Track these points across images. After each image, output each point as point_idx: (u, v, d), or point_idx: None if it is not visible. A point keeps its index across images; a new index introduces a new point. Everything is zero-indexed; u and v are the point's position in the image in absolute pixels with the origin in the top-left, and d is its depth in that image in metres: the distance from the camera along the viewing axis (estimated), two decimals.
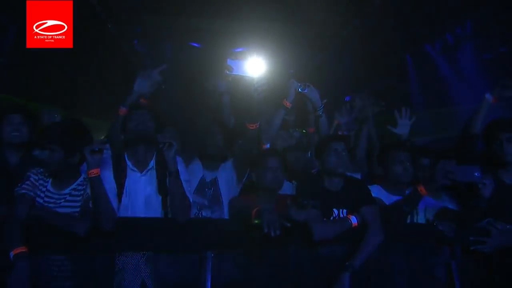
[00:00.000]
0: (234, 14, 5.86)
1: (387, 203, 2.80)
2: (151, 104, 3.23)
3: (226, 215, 2.92)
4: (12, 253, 2.19)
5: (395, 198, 2.84)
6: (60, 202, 2.48)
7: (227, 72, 2.66)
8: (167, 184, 2.53)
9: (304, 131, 4.12)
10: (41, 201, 2.48)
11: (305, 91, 3.18)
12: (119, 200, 2.55)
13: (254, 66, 2.68)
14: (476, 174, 2.49)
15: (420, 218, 2.88)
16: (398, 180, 2.83)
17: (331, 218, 2.67)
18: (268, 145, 3.46)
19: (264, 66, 2.72)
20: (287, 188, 3.04)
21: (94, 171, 2.34)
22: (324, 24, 6.16)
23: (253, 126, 2.89)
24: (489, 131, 2.95)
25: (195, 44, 6.70)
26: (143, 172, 2.64)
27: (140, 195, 2.60)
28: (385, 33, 6.25)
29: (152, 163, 2.66)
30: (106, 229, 2.36)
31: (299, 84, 3.16)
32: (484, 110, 3.05)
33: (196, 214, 2.93)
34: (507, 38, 6.07)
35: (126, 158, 2.66)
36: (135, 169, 2.63)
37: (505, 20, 5.72)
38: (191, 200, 2.55)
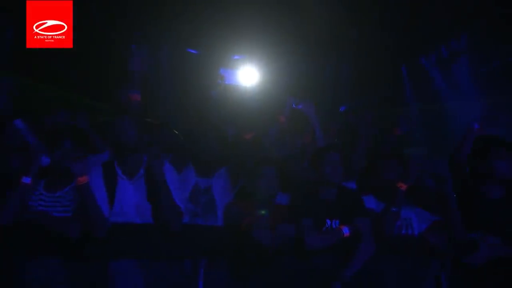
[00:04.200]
0: (232, 22, 5.90)
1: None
2: (143, 101, 3.23)
3: (220, 223, 2.91)
4: None
5: None
6: (55, 205, 2.49)
7: (220, 81, 2.66)
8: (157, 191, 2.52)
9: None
10: (35, 204, 2.48)
11: (299, 107, 3.21)
12: (110, 207, 2.55)
13: (247, 75, 2.68)
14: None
15: (414, 231, 2.88)
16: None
17: (324, 228, 2.69)
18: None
19: (257, 76, 2.72)
20: (283, 197, 3.03)
21: (81, 179, 2.35)
22: (322, 34, 6.21)
23: (248, 136, 2.89)
24: (479, 145, 2.90)
25: (193, 51, 6.72)
26: (133, 180, 2.63)
27: (130, 202, 2.60)
28: (381, 45, 6.31)
29: (142, 171, 2.65)
30: (98, 235, 2.37)
31: (294, 100, 3.19)
32: (471, 138, 3.03)
33: (189, 222, 2.91)
34: (502, 52, 6.15)
35: (115, 165, 2.66)
36: (124, 177, 2.63)
37: (500, 34, 5.79)
38: (183, 208, 2.55)
